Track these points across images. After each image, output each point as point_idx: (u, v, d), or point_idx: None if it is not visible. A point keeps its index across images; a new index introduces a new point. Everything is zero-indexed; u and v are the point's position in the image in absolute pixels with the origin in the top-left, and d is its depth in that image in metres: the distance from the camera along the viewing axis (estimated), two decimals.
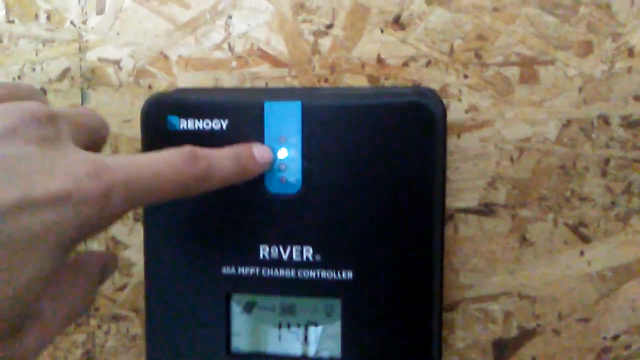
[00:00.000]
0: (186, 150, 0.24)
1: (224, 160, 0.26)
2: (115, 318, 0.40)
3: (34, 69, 0.39)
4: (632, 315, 0.35)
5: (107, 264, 0.25)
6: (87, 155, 0.21)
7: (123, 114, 0.38)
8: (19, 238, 0.18)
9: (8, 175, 0.18)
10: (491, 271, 0.36)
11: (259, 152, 0.29)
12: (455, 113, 0.35)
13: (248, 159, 0.28)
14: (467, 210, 0.36)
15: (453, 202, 0.35)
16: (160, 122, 0.31)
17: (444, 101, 0.35)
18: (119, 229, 0.39)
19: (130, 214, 0.39)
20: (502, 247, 0.36)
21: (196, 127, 0.31)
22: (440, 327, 0.32)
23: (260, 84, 0.37)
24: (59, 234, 0.19)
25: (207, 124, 0.31)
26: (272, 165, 0.31)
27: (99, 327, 0.40)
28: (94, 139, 0.25)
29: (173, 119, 0.31)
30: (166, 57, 0.37)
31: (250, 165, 0.28)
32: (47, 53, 0.39)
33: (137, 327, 0.40)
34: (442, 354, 0.35)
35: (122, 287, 0.40)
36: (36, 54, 0.39)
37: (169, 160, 0.23)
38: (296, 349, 0.32)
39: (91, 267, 0.24)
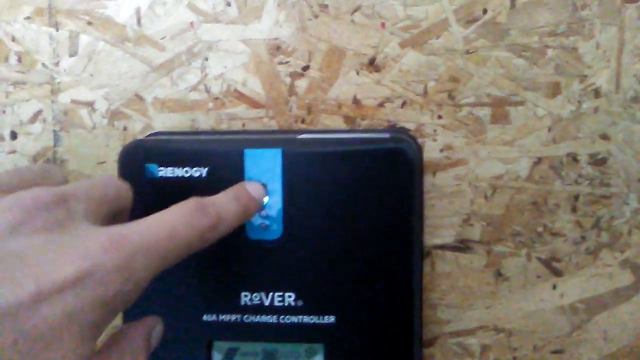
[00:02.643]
0: (191, 202, 0.24)
1: (228, 204, 0.26)
2: None
3: (4, 112, 0.38)
4: (605, 346, 0.36)
5: (153, 330, 0.24)
6: (100, 230, 0.20)
7: (98, 156, 0.38)
8: (41, 331, 0.17)
9: (19, 269, 0.18)
10: (467, 306, 0.37)
11: (253, 189, 0.29)
12: (430, 152, 0.36)
13: (246, 198, 0.28)
14: (443, 247, 0.36)
15: (430, 238, 0.36)
16: (139, 170, 0.31)
17: (419, 141, 0.35)
18: None
19: None
20: (478, 282, 0.36)
21: (175, 174, 0.31)
22: None
23: (237, 124, 0.37)
24: (83, 318, 0.18)
25: (187, 172, 0.31)
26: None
27: None
28: (113, 209, 0.24)
29: (152, 167, 0.31)
30: (141, 98, 0.37)
31: (251, 203, 0.28)
32: (18, 95, 0.38)
33: None
34: None
35: None
36: (6, 96, 0.38)
37: (180, 216, 0.23)
38: None
39: (135, 338, 0.23)
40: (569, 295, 0.36)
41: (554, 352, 0.36)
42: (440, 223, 0.36)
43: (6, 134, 0.38)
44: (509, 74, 0.35)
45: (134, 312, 0.32)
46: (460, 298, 0.37)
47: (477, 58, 0.35)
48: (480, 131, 0.35)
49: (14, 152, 0.38)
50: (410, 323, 0.32)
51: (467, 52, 0.35)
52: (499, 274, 0.36)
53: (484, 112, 0.35)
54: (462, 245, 0.36)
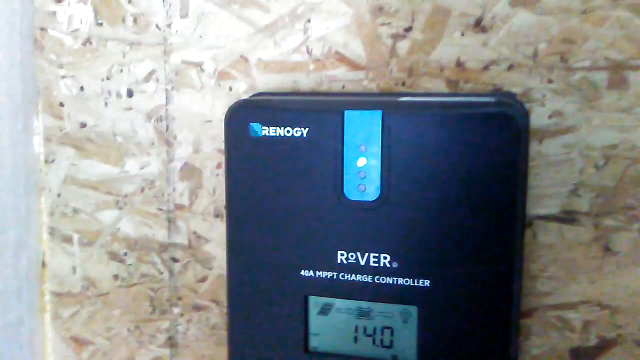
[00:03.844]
0: None
1: None
2: (197, 308, 0.42)
3: (121, 71, 0.41)
4: None
5: None
6: None
7: (205, 115, 0.39)
8: None
9: None
10: (570, 279, 0.35)
11: None
12: (538, 118, 0.34)
13: None
14: (547, 217, 0.35)
15: (533, 208, 0.35)
16: (243, 129, 0.32)
17: (526, 106, 0.34)
18: (199, 225, 0.41)
19: (211, 210, 0.41)
20: (583, 256, 0.35)
21: (277, 134, 0.32)
22: (518, 334, 0.32)
23: (337, 86, 0.37)
24: None
25: (288, 132, 0.32)
26: (352, 173, 0.31)
27: (182, 315, 0.43)
28: None
29: (255, 126, 0.32)
30: (246, 60, 0.38)
31: None
32: (133, 55, 0.40)
33: (216, 317, 0.42)
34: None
35: (203, 279, 0.42)
36: (123, 56, 0.41)
37: None
38: (372, 352, 0.32)
39: None
40: None
41: None
42: (545, 193, 0.35)
43: (123, 91, 0.41)
44: (630, 35, 0.32)
45: (237, 264, 0.34)
46: (563, 271, 0.35)
47: (594, 18, 0.33)
48: (594, 97, 0.33)
49: (130, 109, 0.41)
50: (509, 293, 0.31)
51: (584, 12, 0.33)
52: (607, 249, 0.34)
53: (600, 77, 0.33)
54: (568, 217, 0.35)
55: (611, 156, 0.34)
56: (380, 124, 0.30)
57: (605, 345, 0.35)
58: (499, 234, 0.30)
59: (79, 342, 0.45)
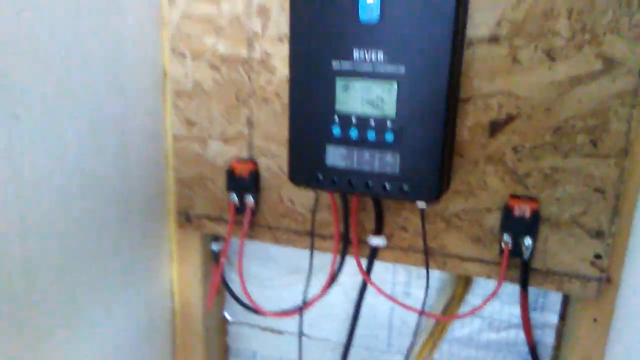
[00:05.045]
0: None
1: None
2: (265, 100, 0.68)
3: None
4: (577, 106, 0.58)
5: None
6: None
7: None
8: None
9: None
10: (493, 79, 0.59)
11: None
12: None
13: None
14: (481, 40, 0.58)
15: (472, 33, 0.58)
16: None
17: None
18: (268, 46, 0.65)
19: (276, 36, 0.65)
20: (501, 64, 0.58)
21: None
22: (456, 111, 0.56)
23: None
24: None
25: None
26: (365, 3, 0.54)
27: (256, 104, 0.68)
28: None
29: None
30: None
31: None
32: None
33: (278, 107, 0.67)
34: (455, 131, 0.60)
35: (269, 82, 0.67)
36: None
37: None
38: (371, 112, 0.57)
39: None
40: (559, 74, 0.57)
41: (545, 109, 0.59)
42: (480, 22, 0.58)
43: None
44: None
45: (295, 63, 0.58)
46: (488, 73, 0.59)
47: None
48: None
49: None
50: (453, 83, 0.55)
51: None
52: (515, 60, 0.58)
53: None
54: (493, 39, 0.58)
55: (522, 1, 0.56)
56: None
57: (510, 118, 0.60)
58: (450, 48, 0.53)
59: (190, 122, 0.72)
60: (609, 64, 0.56)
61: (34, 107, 0.53)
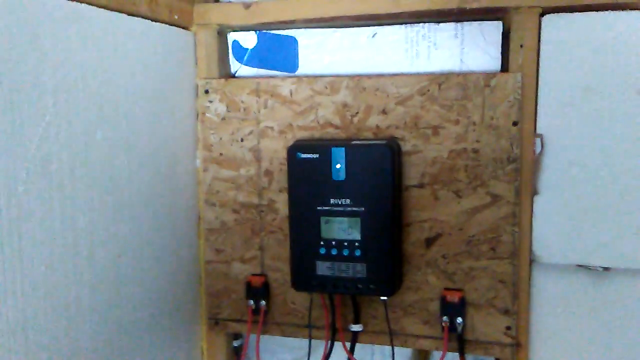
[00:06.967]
0: None
1: None
2: (272, 232, 0.97)
3: None
4: (479, 226, 0.88)
5: None
6: None
7: (277, 151, 0.95)
8: None
9: None
10: (424, 210, 0.89)
11: None
12: (404, 147, 0.89)
13: None
14: (412, 185, 0.89)
15: (407, 181, 0.89)
16: (294, 154, 0.88)
17: (400, 142, 0.89)
18: (273, 196, 0.96)
19: (276, 188, 0.95)
20: (424, 200, 0.89)
21: (307, 156, 0.87)
22: (402, 233, 0.87)
23: (330, 134, 0.92)
24: None
25: (311, 155, 0.87)
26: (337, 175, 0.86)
27: (265, 235, 0.97)
28: None
29: (298, 153, 0.87)
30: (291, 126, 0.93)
31: None
32: None
33: (281, 236, 0.97)
34: (402, 246, 0.89)
35: (274, 220, 0.96)
36: None
37: None
38: (344, 235, 0.86)
39: None
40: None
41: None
42: (411, 176, 0.89)
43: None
44: None
45: (292, 206, 0.89)
46: (423, 205, 0.90)
47: None
48: (429, 140, 0.88)
49: (242, 146, 0.97)
50: (399, 217, 0.86)
51: None
52: (436, 197, 0.89)
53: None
54: (419, 185, 0.89)
55: (436, 161, 0.88)
56: (344, 153, 0.85)
57: (438, 235, 0.89)
58: (392, 194, 0.84)
59: (218, 250, 1.00)
60: (495, 198, 0.87)
61: None
